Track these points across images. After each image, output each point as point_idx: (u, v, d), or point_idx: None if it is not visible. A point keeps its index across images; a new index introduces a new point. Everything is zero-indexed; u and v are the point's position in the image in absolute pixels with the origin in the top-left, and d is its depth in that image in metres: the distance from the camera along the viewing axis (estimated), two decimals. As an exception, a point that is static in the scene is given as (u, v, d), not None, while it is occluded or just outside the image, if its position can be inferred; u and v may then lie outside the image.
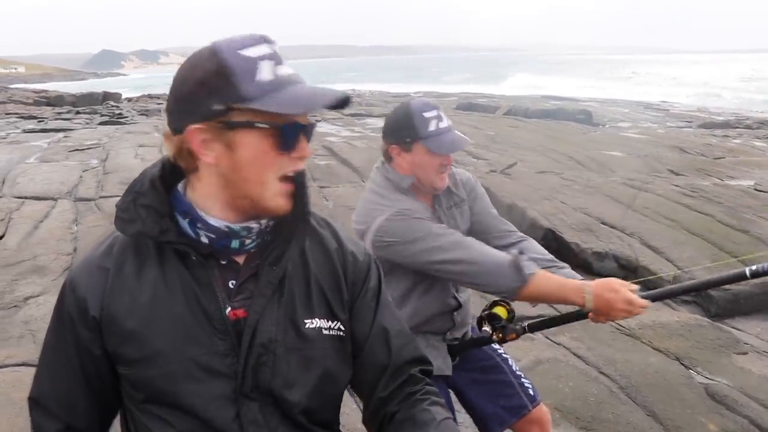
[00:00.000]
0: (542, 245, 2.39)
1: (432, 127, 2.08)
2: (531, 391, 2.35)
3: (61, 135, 13.97)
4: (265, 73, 1.06)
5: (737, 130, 17.29)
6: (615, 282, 1.98)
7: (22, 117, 19.21)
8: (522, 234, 2.35)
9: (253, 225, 1.17)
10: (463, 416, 2.59)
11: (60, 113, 20.85)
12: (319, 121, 16.05)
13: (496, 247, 2.23)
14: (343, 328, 1.25)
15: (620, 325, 4.43)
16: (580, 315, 2.07)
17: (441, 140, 2.08)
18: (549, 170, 9.24)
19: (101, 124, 16.64)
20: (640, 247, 5.93)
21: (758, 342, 4.44)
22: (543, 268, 2.12)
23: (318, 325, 1.21)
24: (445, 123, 2.11)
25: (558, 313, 2.16)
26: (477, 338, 2.29)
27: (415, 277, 2.16)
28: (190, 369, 1.13)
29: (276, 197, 1.13)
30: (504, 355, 2.39)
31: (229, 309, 1.15)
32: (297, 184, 1.15)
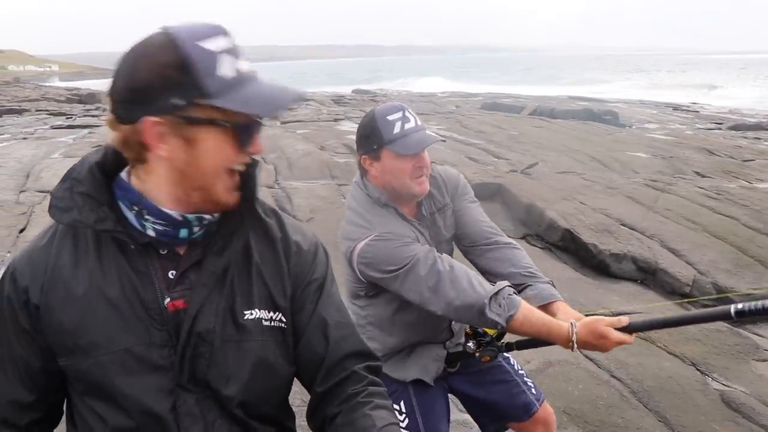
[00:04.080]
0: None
1: (396, 129, 1.97)
2: (534, 390, 2.32)
3: (86, 131, 14.20)
4: (226, 68, 1.03)
5: (770, 132, 16.87)
6: (601, 324, 1.84)
7: (51, 114, 19.55)
8: (508, 240, 2.22)
9: (206, 216, 1.14)
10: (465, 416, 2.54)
11: (88, 110, 21.18)
12: (342, 119, 16.07)
13: (480, 252, 2.17)
14: (284, 320, 1.22)
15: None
16: None
17: (407, 141, 1.97)
18: (570, 170, 9.12)
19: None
20: (659, 249, 5.79)
21: (780, 349, 4.30)
22: (522, 283, 2.06)
23: (258, 317, 1.18)
24: (411, 123, 1.99)
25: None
26: (464, 352, 2.23)
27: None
28: (124, 360, 1.11)
29: (227, 191, 1.11)
30: (505, 354, 2.33)
31: (168, 300, 1.13)
32: (248, 174, 1.14)
